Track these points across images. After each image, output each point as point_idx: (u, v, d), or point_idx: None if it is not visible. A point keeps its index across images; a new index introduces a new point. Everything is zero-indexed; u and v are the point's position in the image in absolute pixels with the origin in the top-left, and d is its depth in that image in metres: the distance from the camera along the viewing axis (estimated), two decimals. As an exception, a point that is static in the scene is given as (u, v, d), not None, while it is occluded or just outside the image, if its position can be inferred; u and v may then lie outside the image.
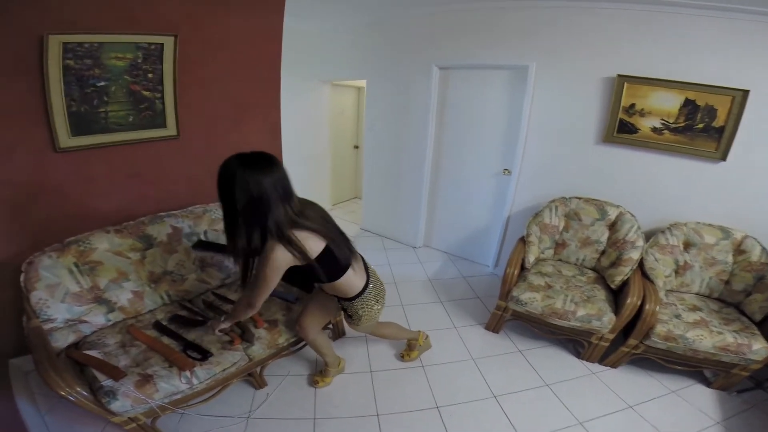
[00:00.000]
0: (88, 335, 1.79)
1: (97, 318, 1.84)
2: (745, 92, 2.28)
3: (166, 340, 1.80)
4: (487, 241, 3.60)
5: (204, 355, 1.71)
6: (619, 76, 2.56)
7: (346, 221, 4.71)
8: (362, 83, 4.64)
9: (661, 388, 2.25)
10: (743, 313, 2.30)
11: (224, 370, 1.75)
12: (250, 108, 2.72)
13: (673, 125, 2.52)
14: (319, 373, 2.19)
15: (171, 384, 1.59)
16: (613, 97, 2.62)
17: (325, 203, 5.01)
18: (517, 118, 3.07)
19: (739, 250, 2.41)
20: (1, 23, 1.70)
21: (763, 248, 2.34)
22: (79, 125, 2.02)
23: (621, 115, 2.64)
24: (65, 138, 1.99)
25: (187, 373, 1.62)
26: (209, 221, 2.36)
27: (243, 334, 1.87)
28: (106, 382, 1.50)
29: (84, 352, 1.65)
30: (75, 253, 1.83)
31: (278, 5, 2.62)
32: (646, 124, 2.59)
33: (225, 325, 1.71)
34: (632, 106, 2.59)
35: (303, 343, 2.20)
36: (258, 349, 1.88)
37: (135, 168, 2.30)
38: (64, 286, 1.77)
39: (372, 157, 4.13)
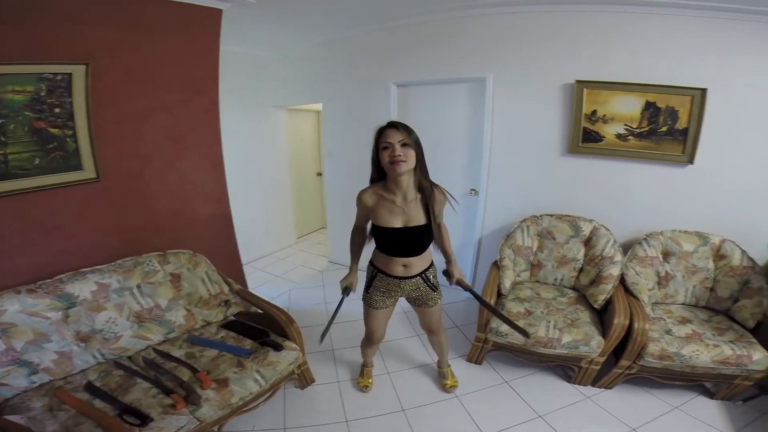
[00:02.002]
0: (9, 398, 1.63)
1: (19, 380, 1.67)
2: (703, 91, 2.23)
3: (98, 403, 1.63)
4: (461, 265, 3.34)
5: (143, 420, 1.52)
6: (578, 81, 2.47)
7: (313, 254, 4.42)
8: (320, 107, 4.48)
9: (663, 405, 2.08)
10: (734, 320, 2.18)
11: (169, 435, 1.54)
12: (187, 142, 2.46)
13: (637, 130, 2.44)
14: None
15: (105, 452, 1.39)
16: (574, 105, 2.53)
17: (289, 236, 4.75)
18: (479, 134, 2.94)
19: (718, 255, 2.31)
20: None
21: (743, 251, 2.24)
22: (-27, 172, 1.72)
23: (584, 123, 2.54)
24: (-43, 188, 1.68)
25: (124, 440, 1.42)
26: (142, 274, 2.12)
27: (187, 396, 1.65)
28: (28, 451, 1.35)
29: (5, 417, 1.49)
30: (-19, 315, 1.64)
31: (213, 31, 2.41)
32: (610, 131, 2.50)
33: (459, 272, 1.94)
34: (594, 112, 2.50)
35: (266, 396, 2.00)
36: (208, 411, 1.66)
37: (50, 219, 1.99)
38: (-29, 350, 1.60)
39: (334, 184, 3.90)
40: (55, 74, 1.88)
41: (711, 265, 2.31)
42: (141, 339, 2.01)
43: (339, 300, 1.89)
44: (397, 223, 1.62)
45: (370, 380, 2.27)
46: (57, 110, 1.91)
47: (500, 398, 2.17)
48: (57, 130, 1.93)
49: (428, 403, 2.14)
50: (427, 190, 1.59)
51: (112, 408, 1.59)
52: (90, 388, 1.71)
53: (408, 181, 1.56)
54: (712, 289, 2.31)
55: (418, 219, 1.61)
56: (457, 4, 2.61)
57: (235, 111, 3.55)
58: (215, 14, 2.37)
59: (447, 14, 2.75)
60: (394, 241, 1.67)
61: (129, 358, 1.95)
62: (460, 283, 1.90)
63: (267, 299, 2.30)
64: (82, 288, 1.91)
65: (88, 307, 1.90)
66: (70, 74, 1.91)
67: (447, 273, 1.94)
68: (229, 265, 2.78)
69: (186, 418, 1.59)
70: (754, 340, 1.97)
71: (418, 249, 1.71)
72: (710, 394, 2.15)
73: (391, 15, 2.88)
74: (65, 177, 2.00)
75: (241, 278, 2.91)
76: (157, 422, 1.52)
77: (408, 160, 1.48)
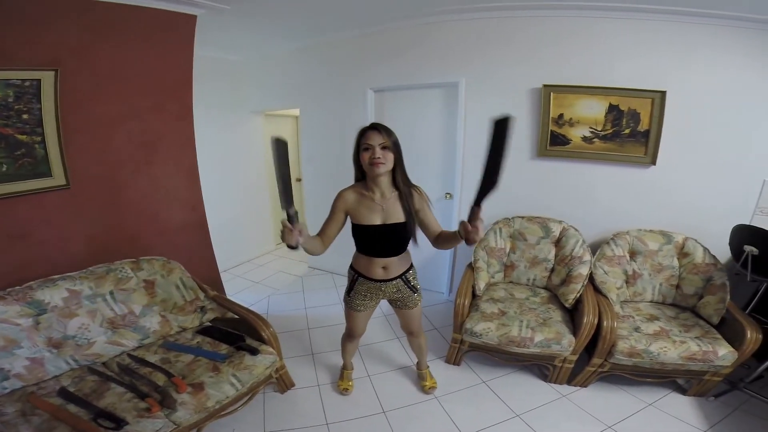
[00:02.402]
0: None
1: None
2: (663, 93, 2.33)
3: (72, 408, 1.62)
4: (439, 268, 3.43)
5: (118, 424, 1.53)
6: (545, 86, 2.56)
7: (293, 260, 4.40)
8: (298, 112, 4.48)
9: (637, 402, 2.13)
10: (700, 316, 2.25)
11: (145, 439, 1.54)
12: (160, 148, 2.45)
13: (602, 133, 2.53)
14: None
15: (79, 455, 1.40)
16: (542, 109, 2.61)
17: (267, 243, 4.72)
18: (452, 138, 3.01)
19: (682, 253, 2.39)
20: None
21: (705, 249, 2.33)
22: (-62, 179, 1.70)
23: (552, 126, 2.62)
24: None
25: (97, 443, 1.43)
26: (115, 281, 2.10)
27: (162, 401, 1.65)
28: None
29: None
30: (-51, 323, 1.64)
31: (187, 36, 2.42)
32: (576, 134, 2.59)
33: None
34: (561, 116, 2.59)
35: (245, 399, 2.01)
36: (184, 415, 1.67)
37: (18, 226, 1.96)
38: (-62, 357, 1.60)
39: (313, 189, 3.91)
40: (24, 80, 1.86)
41: (676, 262, 2.40)
42: (115, 345, 1.99)
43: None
44: (377, 220, 1.67)
45: (350, 383, 2.27)
46: (25, 116, 1.90)
47: (478, 398, 2.19)
48: (25, 136, 1.91)
49: (408, 404, 2.15)
50: (404, 189, 1.65)
51: (87, 412, 1.59)
52: (63, 393, 1.69)
53: (386, 180, 1.64)
54: (677, 287, 2.39)
55: (397, 216, 1.66)
56: (428, 10, 2.68)
57: (211, 117, 3.56)
58: (189, 20, 2.38)
59: (420, 20, 2.81)
60: (374, 239, 1.71)
61: (103, 364, 1.93)
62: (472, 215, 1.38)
63: (246, 305, 2.28)
64: (53, 295, 1.89)
65: (60, 313, 1.88)
66: (39, 80, 1.90)
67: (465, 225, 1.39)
68: (206, 271, 2.77)
69: (161, 422, 1.59)
70: (719, 336, 2.04)
71: (397, 247, 1.75)
72: (683, 391, 2.21)
73: (365, 21, 2.93)
74: (34, 184, 1.97)
75: (218, 284, 2.89)
76: (132, 426, 1.52)
77: (386, 162, 1.56)
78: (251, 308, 2.27)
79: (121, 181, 2.31)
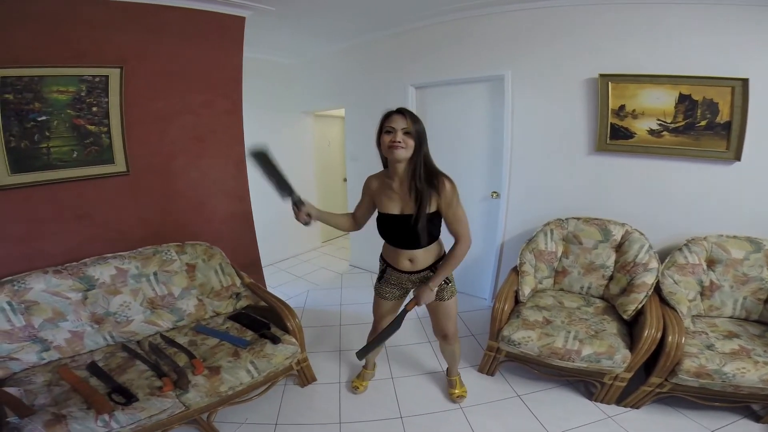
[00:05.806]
0: (17, 372, 1.71)
1: (29, 356, 1.76)
2: (745, 81, 1.99)
3: (94, 381, 1.69)
4: (482, 272, 3.23)
5: (128, 399, 1.57)
6: (602, 75, 2.31)
7: (336, 258, 4.46)
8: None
9: (698, 428, 1.81)
10: (793, 337, 1.85)
11: (151, 416, 1.57)
12: (210, 143, 2.60)
13: (672, 125, 2.21)
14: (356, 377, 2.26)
15: (85, 426, 1.44)
16: (599, 100, 2.36)
17: (314, 240, 4.83)
18: (499, 134, 2.84)
19: (775, 263, 1.99)
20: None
21: (806, 259, 1.92)
22: (20, 162, 1.95)
23: (612, 119, 2.36)
24: (4, 175, 1.90)
25: (105, 416, 1.48)
26: (159, 262, 2.23)
27: (177, 381, 1.67)
28: (13, 419, 1.43)
29: (3, 388, 1.57)
30: (9, 292, 1.77)
31: (237, 37, 2.57)
32: (641, 127, 2.30)
33: (436, 284, 1.68)
34: (622, 107, 2.32)
35: (261, 389, 2.00)
36: (195, 397, 1.68)
37: (82, 207, 2.17)
38: (-7, 323, 1.71)
39: (356, 188, 3.90)
40: (94, 76, 2.08)
41: (765, 274, 2.00)
42: (151, 324, 2.09)
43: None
44: (395, 209, 1.63)
45: (364, 383, 2.19)
46: (94, 109, 2.11)
47: (508, 413, 1.98)
48: (94, 127, 2.13)
49: (429, 412, 2.01)
50: (420, 186, 1.52)
51: (105, 386, 1.65)
52: (92, 367, 1.78)
53: (404, 168, 1.55)
54: (766, 302, 2.00)
55: (412, 208, 1.58)
56: (470, 3, 2.58)
57: (264, 117, 3.75)
58: (238, 21, 2.53)
59: (460, 14, 2.73)
60: (393, 229, 1.67)
61: (137, 342, 2.02)
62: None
63: (284, 298, 2.27)
64: (103, 272, 2.03)
65: (106, 290, 2.01)
66: (107, 76, 2.11)
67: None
68: (247, 260, 2.86)
69: (171, 402, 1.61)
70: (815, 359, 1.66)
71: (416, 240, 1.64)
72: (756, 417, 1.84)
73: (405, 18, 2.91)
74: (99, 169, 2.18)
75: (258, 273, 2.97)
76: (141, 402, 1.56)
77: (406, 147, 1.48)
78: (289, 301, 2.27)
79: (174, 171, 2.47)
